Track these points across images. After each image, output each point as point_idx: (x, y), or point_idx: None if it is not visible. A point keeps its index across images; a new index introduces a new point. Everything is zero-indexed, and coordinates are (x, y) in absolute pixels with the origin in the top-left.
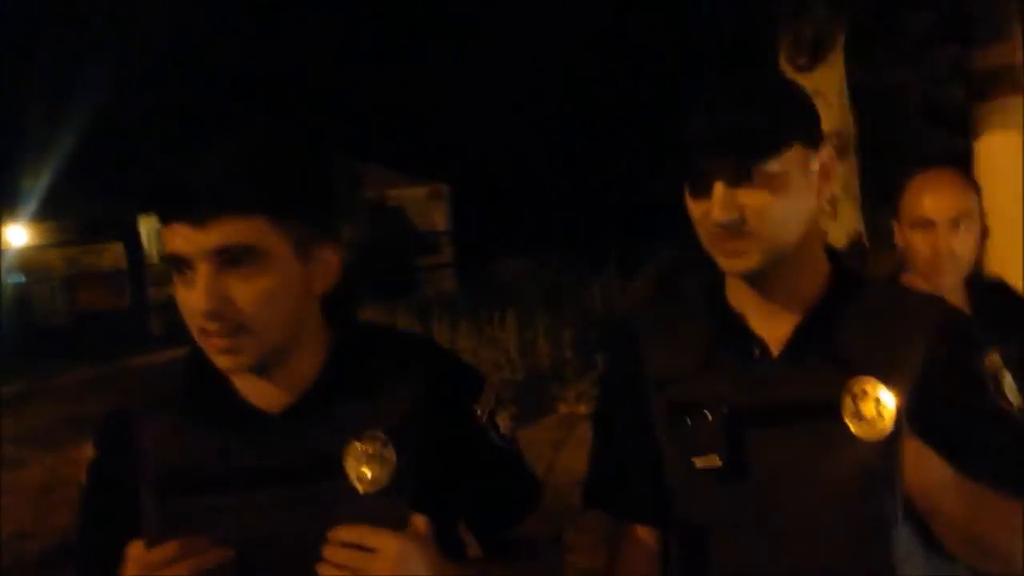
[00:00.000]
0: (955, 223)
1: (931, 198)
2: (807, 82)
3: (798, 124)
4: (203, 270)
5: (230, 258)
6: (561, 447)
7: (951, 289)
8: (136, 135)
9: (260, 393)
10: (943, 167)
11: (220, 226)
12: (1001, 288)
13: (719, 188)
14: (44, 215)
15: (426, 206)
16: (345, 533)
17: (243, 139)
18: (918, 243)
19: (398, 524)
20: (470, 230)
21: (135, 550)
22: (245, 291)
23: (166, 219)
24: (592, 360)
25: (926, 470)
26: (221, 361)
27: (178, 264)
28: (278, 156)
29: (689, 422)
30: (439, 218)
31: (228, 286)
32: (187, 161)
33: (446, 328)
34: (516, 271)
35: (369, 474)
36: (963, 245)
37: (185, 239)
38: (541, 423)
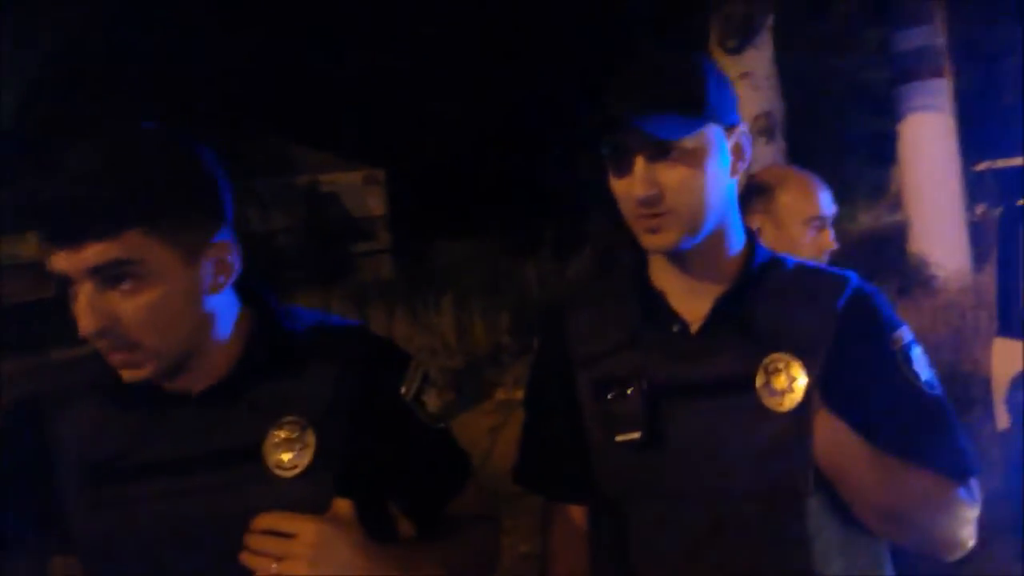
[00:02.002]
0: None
1: (822, 196)
2: (736, 64)
3: (714, 103)
4: (84, 290)
5: (110, 275)
6: (498, 432)
7: None
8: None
9: (179, 380)
10: (796, 168)
11: (93, 246)
12: None
13: (638, 164)
14: None
15: (361, 191)
16: (263, 520)
17: (110, 150)
18: (807, 241)
19: (318, 508)
20: (406, 215)
21: None
22: (130, 308)
23: (41, 240)
24: (529, 345)
25: (837, 442)
26: (123, 375)
27: (62, 281)
28: (147, 165)
29: (611, 398)
30: (375, 203)
31: (112, 304)
32: (50, 183)
33: (382, 314)
34: (452, 256)
35: (288, 459)
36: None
37: (62, 259)
38: (478, 408)
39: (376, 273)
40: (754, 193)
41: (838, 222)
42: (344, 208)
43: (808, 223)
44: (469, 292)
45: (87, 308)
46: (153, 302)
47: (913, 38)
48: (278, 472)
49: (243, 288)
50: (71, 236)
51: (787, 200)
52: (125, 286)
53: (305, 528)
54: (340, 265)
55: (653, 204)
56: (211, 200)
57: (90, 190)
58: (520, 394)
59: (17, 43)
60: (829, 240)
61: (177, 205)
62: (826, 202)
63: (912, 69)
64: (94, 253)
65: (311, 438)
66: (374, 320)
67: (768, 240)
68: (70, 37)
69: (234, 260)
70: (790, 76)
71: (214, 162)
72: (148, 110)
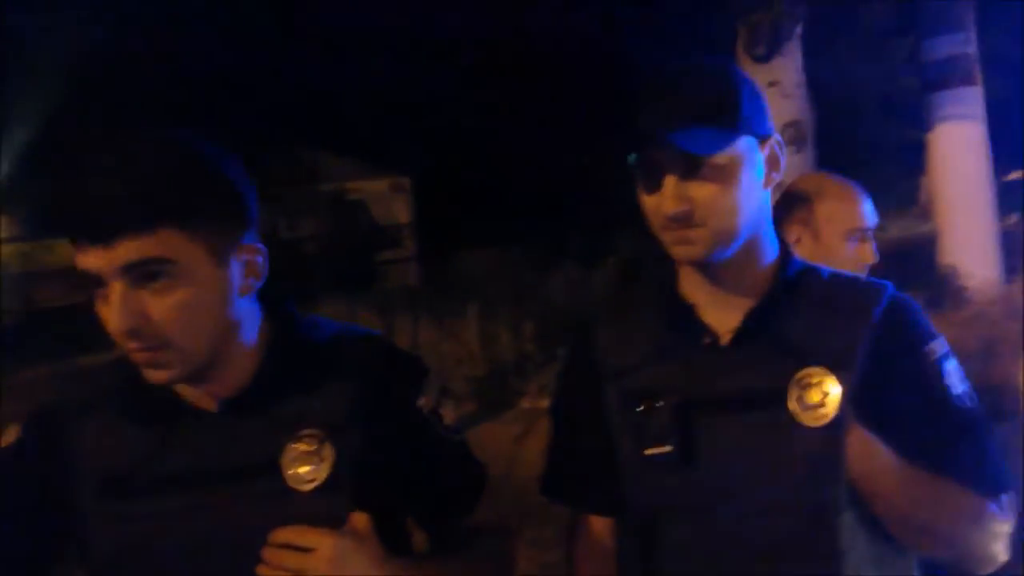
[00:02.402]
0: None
1: (863, 207)
2: (765, 72)
3: (747, 116)
4: (116, 288)
5: (142, 274)
6: (523, 442)
7: None
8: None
9: (196, 392)
10: (836, 176)
11: (127, 243)
12: None
13: (670, 181)
14: None
15: (387, 199)
16: (281, 534)
17: (143, 149)
18: (847, 254)
19: (336, 522)
20: (432, 223)
21: None
22: (161, 306)
23: (72, 239)
24: (554, 354)
25: (871, 457)
26: (148, 375)
27: (92, 281)
28: (181, 164)
29: (641, 411)
30: (400, 211)
31: (143, 302)
32: (85, 179)
33: (407, 322)
34: (478, 264)
35: (306, 472)
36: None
37: (95, 257)
38: (503, 417)
39: (402, 281)
40: (792, 202)
41: None
42: (370, 216)
43: (848, 235)
44: (494, 300)
45: (119, 307)
46: (185, 301)
47: (943, 46)
48: (296, 486)
49: (263, 298)
50: (106, 232)
51: (826, 210)
52: (157, 285)
53: (323, 542)
54: (366, 273)
55: (685, 220)
56: (240, 202)
57: (125, 186)
58: (545, 403)
59: (43, 48)
60: (870, 253)
61: (209, 205)
62: (867, 213)
63: (942, 78)
64: (128, 250)
65: (328, 451)
66: (399, 328)
67: (806, 252)
68: (96, 43)
69: (262, 263)
70: (819, 85)
71: (239, 166)
72: (174, 118)
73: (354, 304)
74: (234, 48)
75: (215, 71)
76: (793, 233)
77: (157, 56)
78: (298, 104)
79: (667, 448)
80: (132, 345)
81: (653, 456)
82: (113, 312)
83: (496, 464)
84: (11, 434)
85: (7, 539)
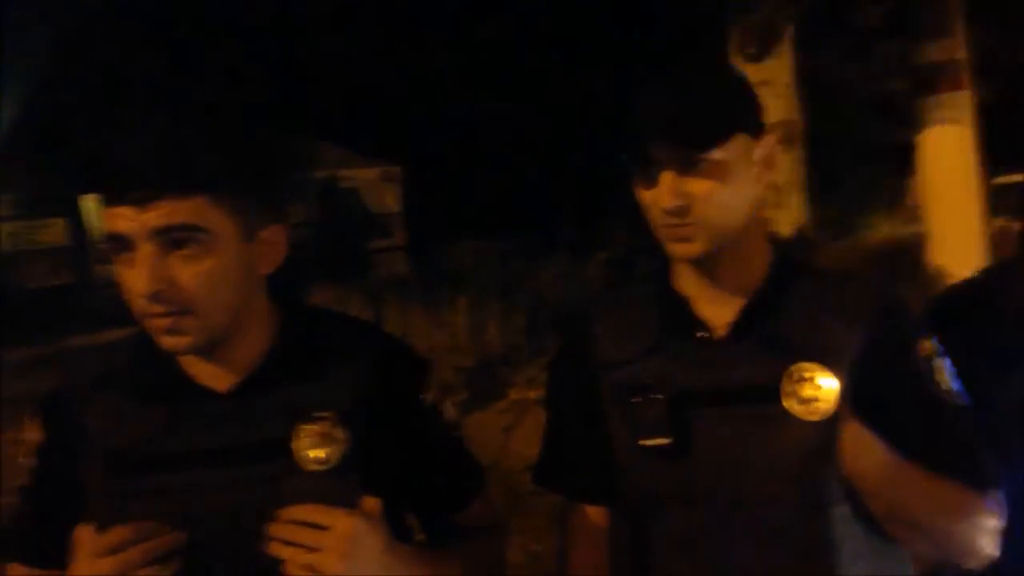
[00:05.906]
0: None
1: None
2: (756, 72)
3: (743, 113)
4: (145, 251)
5: (173, 239)
6: (512, 432)
7: None
8: (75, 110)
9: (207, 372)
10: None
11: (162, 206)
12: None
13: (667, 176)
14: None
15: (379, 188)
16: (296, 512)
17: (185, 116)
18: None
19: (348, 503)
20: (423, 213)
21: (84, 533)
22: (188, 272)
23: (106, 200)
24: (543, 345)
25: (864, 452)
26: (165, 342)
27: (119, 244)
28: (221, 133)
29: (637, 403)
30: (392, 200)
31: (171, 267)
32: (127, 140)
33: (397, 311)
34: (468, 255)
35: (319, 453)
36: None
37: (126, 219)
38: (491, 408)
39: (392, 270)
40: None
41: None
42: (361, 204)
43: None
44: (484, 291)
45: (146, 269)
46: (211, 270)
47: (934, 51)
48: (307, 467)
49: (272, 282)
50: (143, 193)
51: None
52: (186, 251)
53: (339, 521)
54: (356, 261)
55: (681, 215)
56: (272, 181)
57: (168, 149)
58: (534, 394)
59: (36, 28)
60: None
61: (243, 178)
62: None
63: (933, 81)
64: (162, 214)
65: (340, 434)
66: (389, 317)
67: (1010, 249)
68: (90, 25)
69: (282, 245)
70: (810, 85)
71: (271, 146)
72: (168, 105)
73: (344, 292)
74: (225, 34)
75: (207, 57)
76: (998, 222)
77: (150, 41)
78: (289, 91)
79: (663, 440)
80: (154, 309)
81: (648, 448)
82: (140, 274)
83: (485, 454)
84: (31, 427)
85: (31, 523)
